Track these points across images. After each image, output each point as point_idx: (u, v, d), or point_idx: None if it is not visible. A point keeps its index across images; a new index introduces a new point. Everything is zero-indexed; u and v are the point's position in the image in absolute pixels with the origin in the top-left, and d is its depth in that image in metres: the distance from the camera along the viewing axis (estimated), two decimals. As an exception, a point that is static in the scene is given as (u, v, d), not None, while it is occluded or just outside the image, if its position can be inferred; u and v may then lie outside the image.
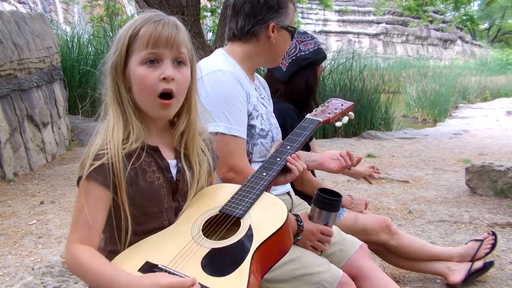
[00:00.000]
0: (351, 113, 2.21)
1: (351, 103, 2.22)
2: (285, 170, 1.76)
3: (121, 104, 1.48)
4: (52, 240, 3.64)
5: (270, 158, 1.78)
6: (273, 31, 2.13)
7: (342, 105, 2.19)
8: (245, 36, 2.16)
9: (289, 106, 2.70)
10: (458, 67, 26.68)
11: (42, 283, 2.23)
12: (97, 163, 1.41)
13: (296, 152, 1.82)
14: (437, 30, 37.23)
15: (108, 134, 1.44)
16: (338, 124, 2.17)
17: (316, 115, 2.10)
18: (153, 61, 1.44)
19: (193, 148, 1.58)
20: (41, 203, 4.58)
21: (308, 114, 2.10)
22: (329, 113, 2.12)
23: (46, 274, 2.31)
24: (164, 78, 1.44)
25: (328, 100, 2.23)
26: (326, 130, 8.96)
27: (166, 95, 1.46)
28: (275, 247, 1.48)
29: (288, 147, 1.82)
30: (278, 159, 1.76)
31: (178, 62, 1.48)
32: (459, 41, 42.29)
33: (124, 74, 1.47)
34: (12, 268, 3.13)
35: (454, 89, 15.84)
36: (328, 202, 1.91)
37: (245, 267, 1.34)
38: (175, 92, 1.47)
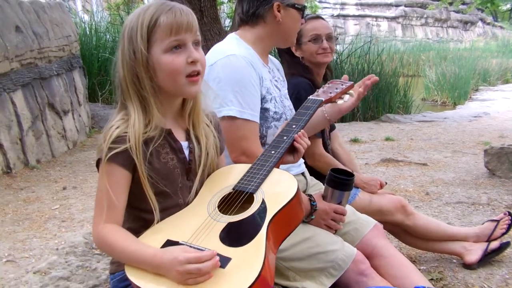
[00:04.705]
0: (351, 91, 2.23)
1: (351, 82, 2.26)
2: (293, 149, 1.81)
3: (142, 97, 1.54)
4: (75, 224, 3.73)
5: (277, 137, 1.83)
6: (278, 11, 2.13)
7: (342, 84, 2.22)
8: (251, 19, 2.17)
9: (304, 80, 2.72)
10: (479, 49, 26.20)
11: (66, 262, 2.31)
12: (118, 147, 1.47)
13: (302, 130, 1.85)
14: (457, 12, 36.60)
15: (130, 124, 1.50)
16: (340, 102, 2.20)
17: (318, 95, 2.13)
18: (176, 47, 1.52)
19: (198, 122, 1.66)
20: (64, 188, 4.69)
21: (311, 96, 2.13)
22: (330, 93, 2.15)
23: (70, 253, 2.39)
24: (192, 62, 1.53)
25: (328, 82, 2.28)
26: (345, 115, 8.94)
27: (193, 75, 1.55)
28: (288, 217, 1.56)
29: (294, 126, 1.86)
30: (285, 137, 1.81)
31: (196, 44, 1.57)
32: (480, 23, 41.50)
33: (147, 64, 1.52)
34: (37, 250, 3.23)
35: (475, 72, 15.60)
36: (340, 181, 1.97)
37: (261, 237, 1.43)
38: (201, 71, 1.57)
